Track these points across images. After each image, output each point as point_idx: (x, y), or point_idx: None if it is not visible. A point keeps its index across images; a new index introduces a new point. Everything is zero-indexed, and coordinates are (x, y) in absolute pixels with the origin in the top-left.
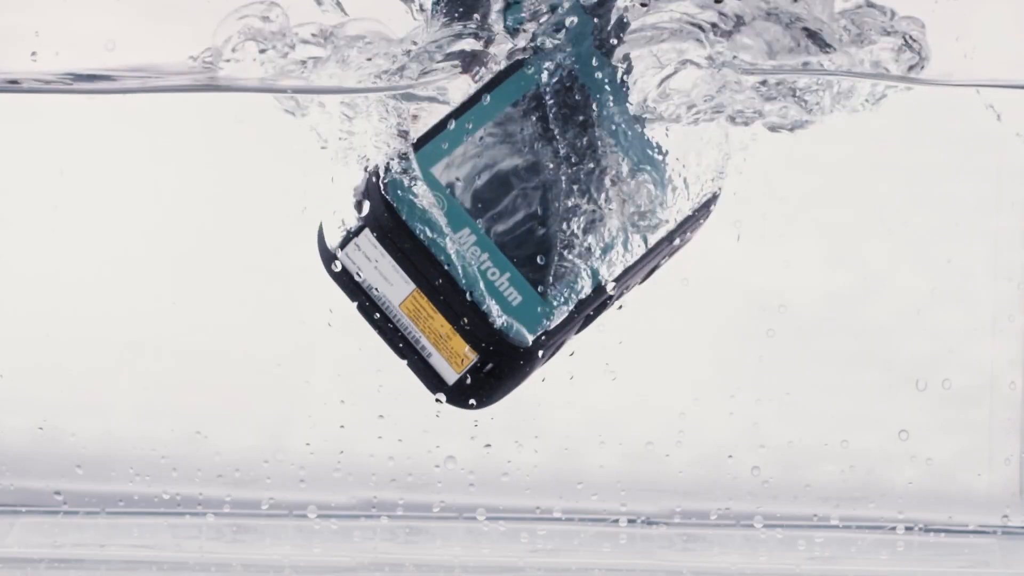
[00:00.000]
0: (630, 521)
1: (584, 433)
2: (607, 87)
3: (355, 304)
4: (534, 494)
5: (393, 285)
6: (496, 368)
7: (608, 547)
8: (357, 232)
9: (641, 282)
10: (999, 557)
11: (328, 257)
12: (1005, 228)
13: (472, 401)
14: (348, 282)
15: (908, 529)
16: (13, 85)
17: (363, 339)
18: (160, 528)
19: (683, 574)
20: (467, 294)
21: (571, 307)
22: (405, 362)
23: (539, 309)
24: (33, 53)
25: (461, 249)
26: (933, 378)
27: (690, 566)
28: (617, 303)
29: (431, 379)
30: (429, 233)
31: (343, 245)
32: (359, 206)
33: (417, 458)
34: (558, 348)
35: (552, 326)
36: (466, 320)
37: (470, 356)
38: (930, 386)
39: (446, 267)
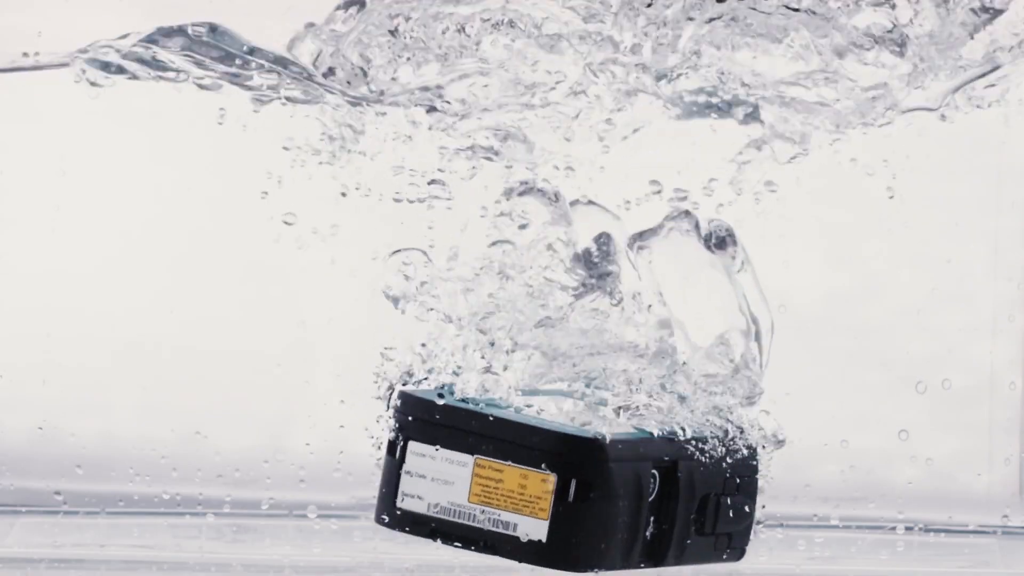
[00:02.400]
0: None
1: None
2: None
3: (430, 538)
4: None
5: (454, 483)
6: (581, 478)
7: None
8: (402, 460)
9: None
10: (999, 557)
11: (392, 514)
12: (1005, 228)
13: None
14: (416, 522)
15: (908, 529)
16: (15, 82)
17: (363, 339)
18: (160, 528)
19: (683, 573)
20: (523, 425)
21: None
22: (498, 556)
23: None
24: (36, 53)
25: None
26: (933, 378)
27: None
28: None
29: (528, 553)
30: (468, 404)
31: (395, 495)
32: (395, 422)
33: None
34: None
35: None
36: (534, 440)
37: (550, 483)
38: (930, 387)
39: (495, 417)
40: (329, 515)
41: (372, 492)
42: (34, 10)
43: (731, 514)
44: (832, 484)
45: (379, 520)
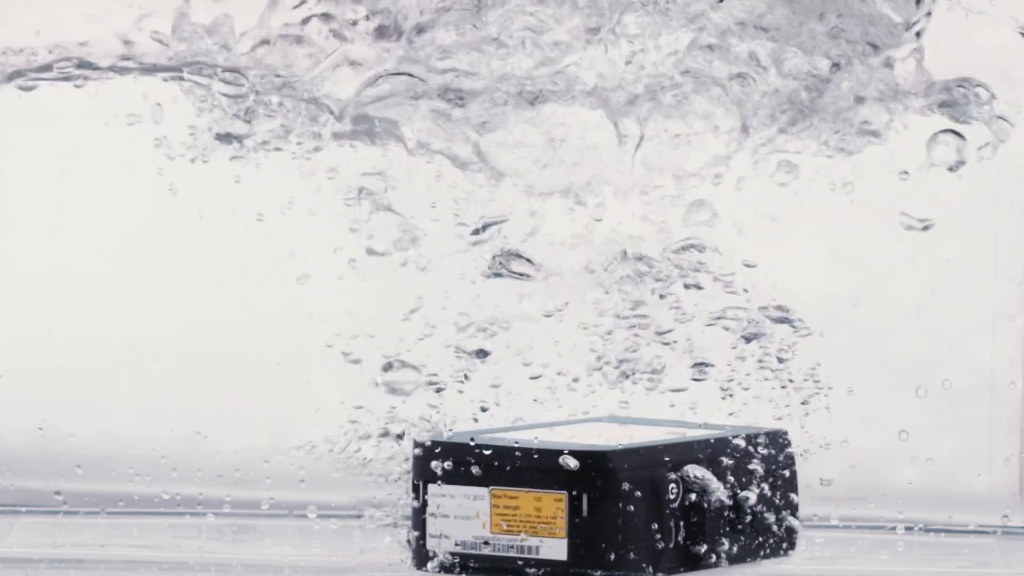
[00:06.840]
0: None
1: None
2: None
3: (464, 574)
4: None
5: (475, 517)
6: (591, 492)
7: None
8: (425, 503)
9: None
10: (999, 557)
11: (424, 557)
12: (1005, 228)
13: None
14: (446, 560)
15: (908, 529)
16: (15, 83)
17: (363, 338)
18: (160, 528)
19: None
20: (528, 450)
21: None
22: None
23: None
24: (35, 53)
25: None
26: (933, 378)
27: None
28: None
29: (553, 573)
30: (476, 439)
31: (424, 538)
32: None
33: None
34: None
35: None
36: (540, 462)
37: (561, 501)
38: (930, 387)
39: (503, 446)
40: (329, 515)
41: (372, 492)
42: (34, 10)
43: (769, 509)
44: (833, 484)
45: (416, 566)
